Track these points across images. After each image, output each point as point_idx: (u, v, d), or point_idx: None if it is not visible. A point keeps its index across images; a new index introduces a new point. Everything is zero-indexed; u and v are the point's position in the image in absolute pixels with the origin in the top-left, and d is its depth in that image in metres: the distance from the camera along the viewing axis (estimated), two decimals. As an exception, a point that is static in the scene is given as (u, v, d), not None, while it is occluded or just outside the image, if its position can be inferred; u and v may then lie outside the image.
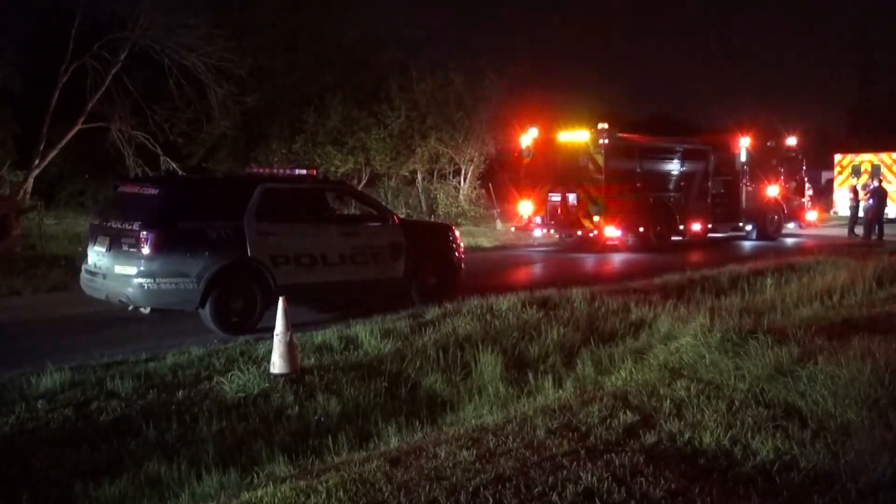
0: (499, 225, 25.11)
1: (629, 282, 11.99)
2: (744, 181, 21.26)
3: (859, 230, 22.52)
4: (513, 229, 22.02)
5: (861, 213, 22.61)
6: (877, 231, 22.04)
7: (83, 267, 9.60)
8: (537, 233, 19.87)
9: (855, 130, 47.11)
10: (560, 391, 6.54)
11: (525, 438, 4.92)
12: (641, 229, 18.73)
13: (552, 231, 19.55)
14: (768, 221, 21.95)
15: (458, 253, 11.21)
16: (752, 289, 10.93)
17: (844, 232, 23.16)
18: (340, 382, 6.97)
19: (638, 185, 18.70)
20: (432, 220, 24.47)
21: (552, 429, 5.07)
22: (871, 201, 21.95)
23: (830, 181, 30.59)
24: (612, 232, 18.32)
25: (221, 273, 8.87)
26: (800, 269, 12.66)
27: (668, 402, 5.50)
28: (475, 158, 28.32)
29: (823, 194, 30.40)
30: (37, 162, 20.50)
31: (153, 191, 9.30)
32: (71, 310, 10.33)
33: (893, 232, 23.74)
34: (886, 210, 26.67)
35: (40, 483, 5.18)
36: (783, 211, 22.45)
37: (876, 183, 23.11)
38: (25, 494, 4.94)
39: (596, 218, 17.96)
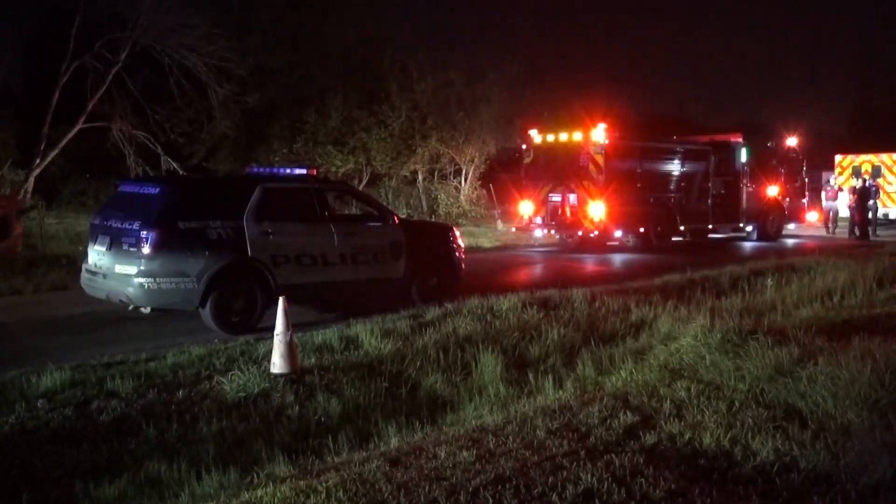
0: (499, 225, 25.11)
1: (630, 282, 11.98)
2: (744, 182, 21.25)
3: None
4: (513, 230, 22.03)
5: (870, 215, 22.70)
6: (857, 232, 22.10)
7: (84, 266, 9.61)
8: (538, 233, 19.88)
9: (855, 131, 47.07)
10: (560, 391, 6.54)
11: (525, 439, 4.92)
12: (642, 230, 18.73)
13: (553, 231, 19.55)
14: (769, 222, 21.95)
15: (459, 253, 11.20)
16: (753, 289, 10.92)
17: (846, 234, 23.16)
18: (341, 382, 6.98)
19: (638, 185, 18.70)
20: (433, 220, 24.47)
21: (552, 429, 5.07)
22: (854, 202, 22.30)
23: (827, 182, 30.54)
24: (612, 232, 18.32)
25: (222, 273, 8.87)
26: (800, 269, 12.65)
27: (669, 402, 5.50)
28: (476, 159, 28.33)
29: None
30: (38, 161, 20.51)
31: (153, 190, 9.31)
32: (71, 309, 10.32)
33: (890, 233, 23.78)
34: (887, 211, 26.76)
35: (40, 482, 5.18)
36: (784, 211, 22.45)
37: (858, 183, 23.25)
38: (26, 494, 4.94)
39: (596, 218, 17.96)
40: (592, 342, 8.31)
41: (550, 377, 7.10)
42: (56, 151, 20.80)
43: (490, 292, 10.25)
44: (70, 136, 20.78)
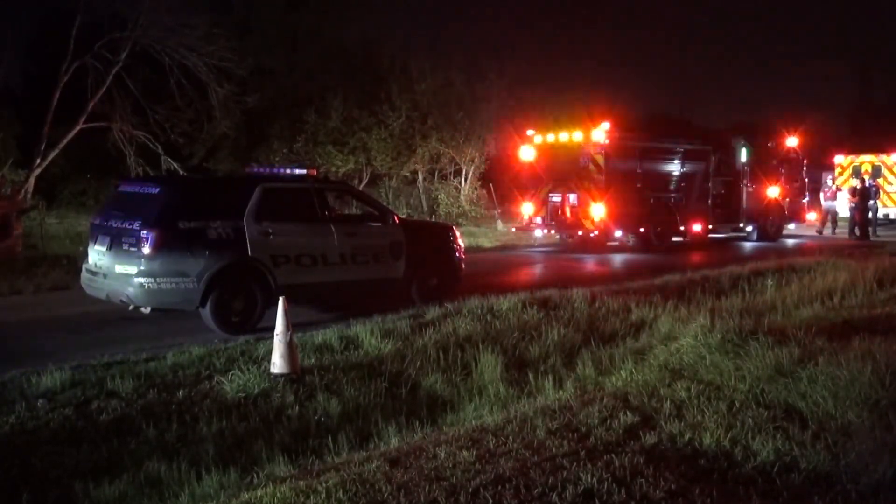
0: (499, 225, 25.11)
1: (630, 282, 11.98)
2: (744, 182, 21.26)
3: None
4: (513, 230, 22.03)
5: (870, 215, 22.70)
6: (857, 232, 22.08)
7: (84, 266, 9.61)
8: (538, 233, 19.88)
9: (855, 131, 47.08)
10: (560, 392, 6.53)
11: (525, 439, 4.92)
12: (642, 230, 18.73)
13: (553, 231, 19.55)
14: (769, 222, 21.95)
15: (459, 253, 11.20)
16: (753, 289, 10.92)
17: (846, 234, 23.16)
18: (340, 382, 6.97)
19: (638, 185, 18.70)
20: (433, 220, 24.48)
21: (552, 429, 5.07)
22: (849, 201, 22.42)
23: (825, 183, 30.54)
24: (612, 232, 18.32)
25: (222, 273, 8.87)
26: (800, 270, 12.65)
27: (669, 402, 5.50)
28: (476, 159, 28.33)
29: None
30: (38, 161, 20.48)
31: (153, 190, 9.31)
32: (72, 309, 10.33)
33: (890, 233, 23.77)
34: (887, 211, 26.76)
35: (40, 482, 5.18)
36: (784, 211, 22.45)
37: (858, 183, 23.26)
38: (25, 494, 4.94)
39: (597, 218, 17.96)
40: (592, 342, 8.31)
41: (550, 377, 7.09)
42: (56, 151, 20.75)
43: (490, 292, 10.26)
44: (70, 136, 20.74)
